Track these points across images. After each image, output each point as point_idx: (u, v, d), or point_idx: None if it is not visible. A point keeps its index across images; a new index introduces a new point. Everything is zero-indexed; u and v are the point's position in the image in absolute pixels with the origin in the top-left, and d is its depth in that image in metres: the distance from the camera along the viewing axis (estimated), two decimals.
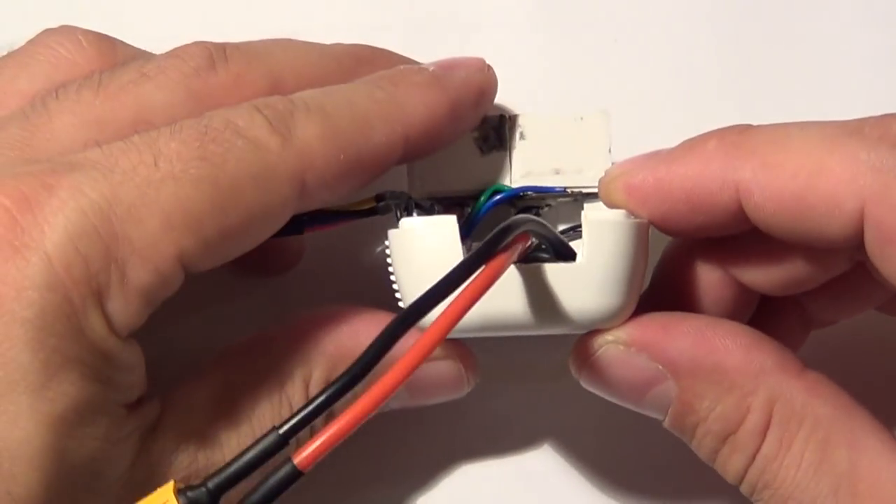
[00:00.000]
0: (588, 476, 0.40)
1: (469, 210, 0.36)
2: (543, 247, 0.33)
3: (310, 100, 0.32)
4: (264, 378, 0.33)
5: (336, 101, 0.32)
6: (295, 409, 0.32)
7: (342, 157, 0.32)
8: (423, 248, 0.32)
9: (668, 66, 0.43)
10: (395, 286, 0.33)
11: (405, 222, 0.33)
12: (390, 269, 0.33)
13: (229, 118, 0.31)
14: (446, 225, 0.32)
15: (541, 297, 0.32)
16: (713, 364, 0.30)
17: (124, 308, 0.30)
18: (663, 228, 0.33)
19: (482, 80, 0.36)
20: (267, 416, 0.33)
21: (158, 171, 0.30)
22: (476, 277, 0.29)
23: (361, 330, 0.34)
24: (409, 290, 0.32)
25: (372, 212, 0.35)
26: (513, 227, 0.30)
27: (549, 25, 0.43)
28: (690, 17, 0.43)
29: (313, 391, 0.34)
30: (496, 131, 0.36)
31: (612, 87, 0.42)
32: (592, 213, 0.32)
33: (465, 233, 0.35)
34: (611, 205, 0.33)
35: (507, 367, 0.41)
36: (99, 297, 0.29)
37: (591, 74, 0.43)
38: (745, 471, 0.30)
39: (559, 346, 0.38)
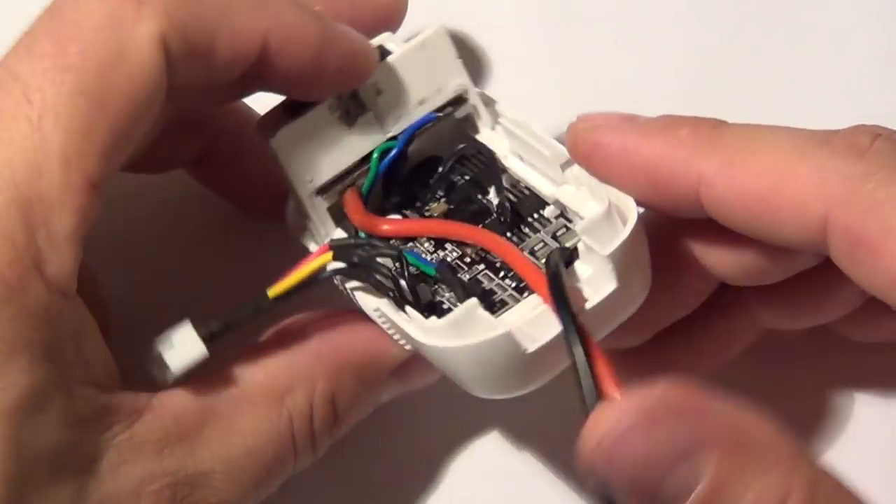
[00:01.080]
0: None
1: (366, 179, 0.35)
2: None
3: None
4: (262, 391, 0.33)
5: None
6: (297, 425, 0.33)
7: (200, 24, 0.31)
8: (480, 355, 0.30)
9: (669, 66, 0.43)
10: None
11: (435, 332, 0.31)
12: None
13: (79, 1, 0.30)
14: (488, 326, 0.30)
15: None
16: (755, 438, 0.27)
17: (60, 262, 0.29)
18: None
19: (360, 46, 0.34)
20: (264, 430, 0.33)
21: (34, 108, 0.29)
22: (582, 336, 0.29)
23: (358, 340, 0.34)
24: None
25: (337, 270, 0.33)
26: (559, 270, 0.31)
27: (549, 26, 0.43)
28: (690, 17, 0.43)
29: (318, 405, 0.33)
30: (353, 98, 0.34)
31: (612, 87, 0.42)
32: (596, 237, 0.31)
33: (366, 199, 0.35)
34: (571, 152, 0.33)
35: None
36: (35, 267, 0.29)
37: (591, 74, 0.43)
38: None
39: None
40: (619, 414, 0.27)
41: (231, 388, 0.33)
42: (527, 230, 0.35)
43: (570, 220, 0.34)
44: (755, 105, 0.42)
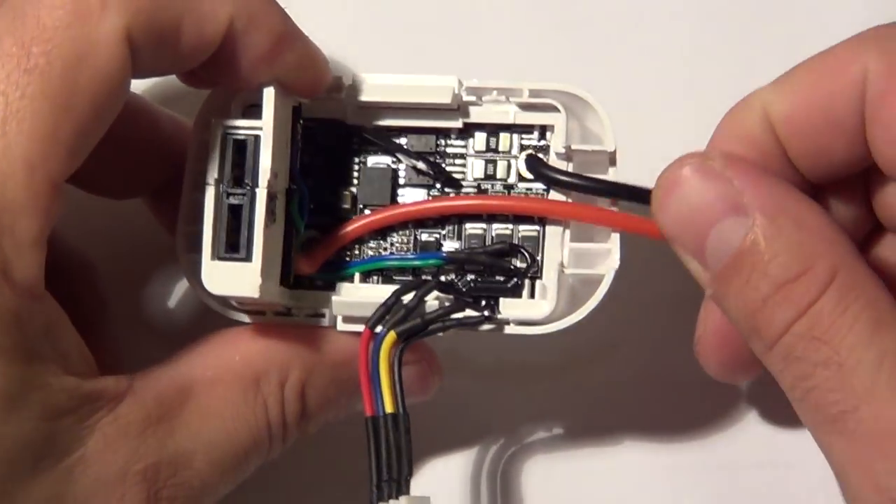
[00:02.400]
0: (587, 475, 0.39)
1: (300, 233, 0.34)
2: None
3: None
4: (238, 374, 0.33)
5: None
6: (271, 411, 0.33)
7: (167, 11, 0.31)
8: None
9: (669, 65, 0.42)
10: None
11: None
12: None
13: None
14: None
15: None
16: (796, 215, 0.29)
17: (27, 266, 0.29)
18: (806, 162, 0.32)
19: (318, 53, 0.34)
20: (241, 413, 0.33)
21: None
22: None
23: (338, 342, 0.34)
24: None
25: None
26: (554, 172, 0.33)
27: (548, 25, 0.41)
28: (691, 17, 0.42)
29: (289, 393, 0.33)
30: (270, 199, 0.32)
31: (612, 87, 0.41)
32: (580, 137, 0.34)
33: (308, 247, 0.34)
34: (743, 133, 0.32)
35: (505, 366, 0.40)
36: (2, 274, 0.29)
37: (591, 74, 0.42)
38: (792, 323, 0.29)
39: (559, 346, 0.38)
40: (682, 162, 0.30)
41: (208, 370, 0.33)
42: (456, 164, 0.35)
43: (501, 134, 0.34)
44: None
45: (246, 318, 0.34)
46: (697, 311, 0.35)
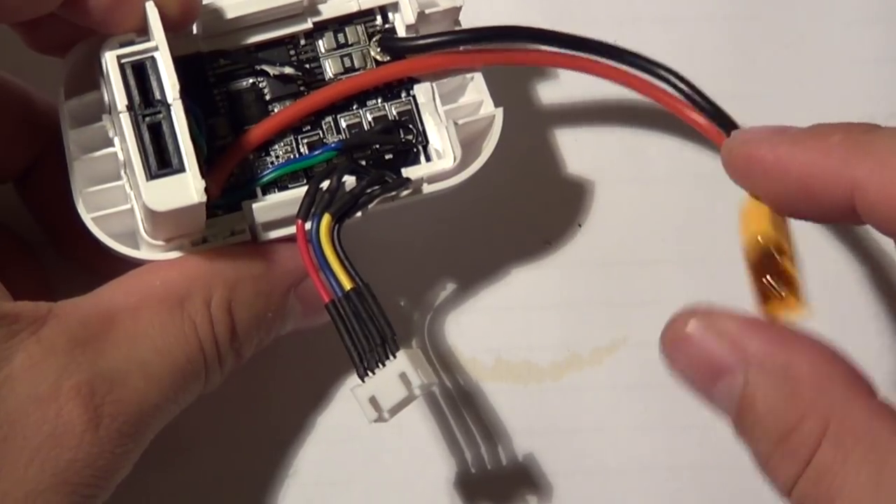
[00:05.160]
0: (588, 476, 0.39)
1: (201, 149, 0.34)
2: None
3: None
4: (161, 298, 0.33)
5: None
6: (201, 330, 0.33)
7: None
8: None
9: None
10: None
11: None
12: None
13: None
14: None
15: None
16: (782, 364, 0.30)
17: None
18: (777, 208, 0.32)
19: None
20: (170, 332, 0.32)
21: None
22: None
23: (253, 254, 0.34)
24: None
25: None
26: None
27: (549, 26, 0.39)
28: (690, 17, 0.43)
29: (216, 311, 0.33)
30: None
31: (612, 87, 0.39)
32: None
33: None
34: (727, 168, 0.33)
35: (505, 365, 0.40)
36: None
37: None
38: (797, 478, 0.29)
39: (559, 346, 0.40)
40: (685, 318, 0.31)
41: (130, 297, 0.33)
42: (318, 63, 0.36)
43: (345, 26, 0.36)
44: (754, 105, 0.40)
45: (166, 256, 0.34)
46: None
